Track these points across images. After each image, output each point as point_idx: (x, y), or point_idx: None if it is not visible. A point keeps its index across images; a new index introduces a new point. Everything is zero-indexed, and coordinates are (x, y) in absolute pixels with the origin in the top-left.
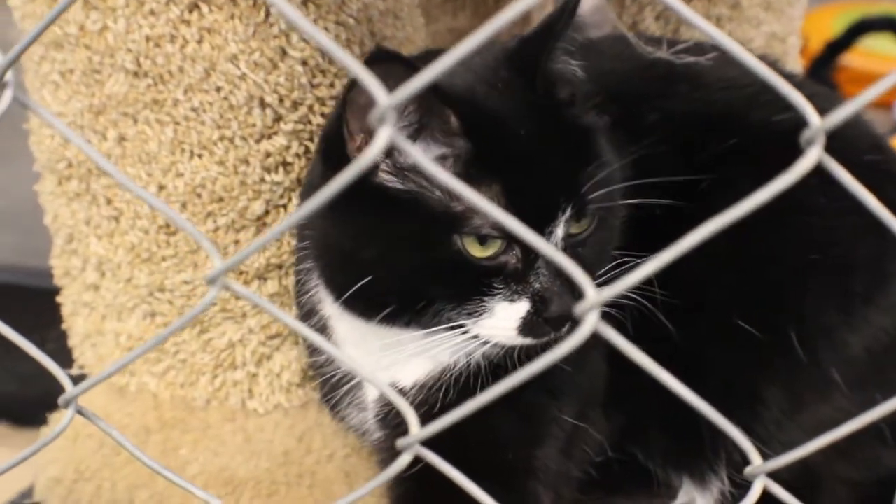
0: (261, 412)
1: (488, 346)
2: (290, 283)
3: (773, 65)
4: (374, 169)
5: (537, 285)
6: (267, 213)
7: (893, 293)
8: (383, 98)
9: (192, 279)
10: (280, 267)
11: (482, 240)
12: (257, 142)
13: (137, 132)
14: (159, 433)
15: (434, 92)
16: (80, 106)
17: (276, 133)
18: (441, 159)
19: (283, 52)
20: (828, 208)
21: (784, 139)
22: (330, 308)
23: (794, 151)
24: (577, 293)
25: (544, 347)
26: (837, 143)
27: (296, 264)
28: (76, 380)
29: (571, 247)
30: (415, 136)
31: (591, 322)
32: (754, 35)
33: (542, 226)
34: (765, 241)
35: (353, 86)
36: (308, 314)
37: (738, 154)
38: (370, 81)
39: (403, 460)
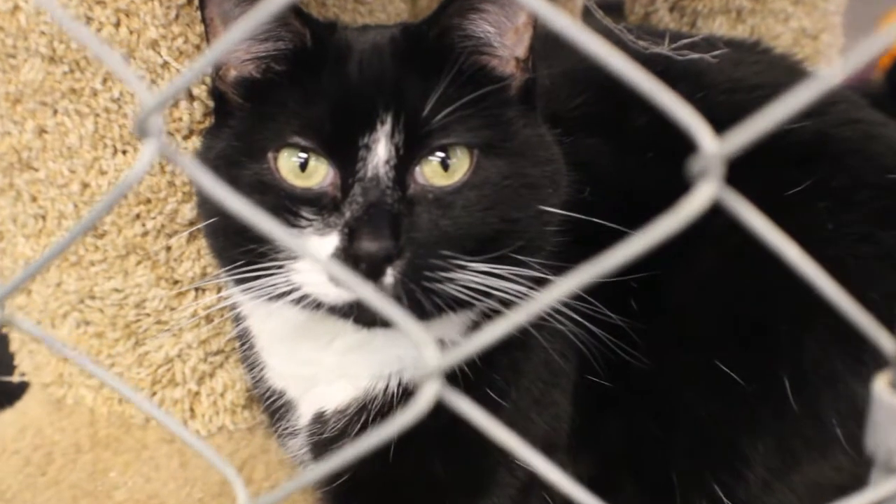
0: (203, 434)
1: (310, 301)
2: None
3: (797, 65)
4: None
5: (348, 214)
6: (200, 218)
7: None
8: (147, 99)
9: (122, 287)
10: (218, 277)
11: (303, 167)
12: (186, 138)
13: (57, 124)
14: (90, 452)
15: (297, 14)
16: None
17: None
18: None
19: None
20: (837, 236)
21: (800, 152)
22: (243, 305)
23: (811, 165)
24: (396, 230)
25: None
26: (855, 160)
27: None
28: (16, 387)
29: (426, 202)
30: (266, 40)
31: (429, 394)
32: (781, 30)
33: (355, 134)
34: (759, 273)
35: None
36: (238, 326)
37: (741, 168)
38: (136, 84)
39: None
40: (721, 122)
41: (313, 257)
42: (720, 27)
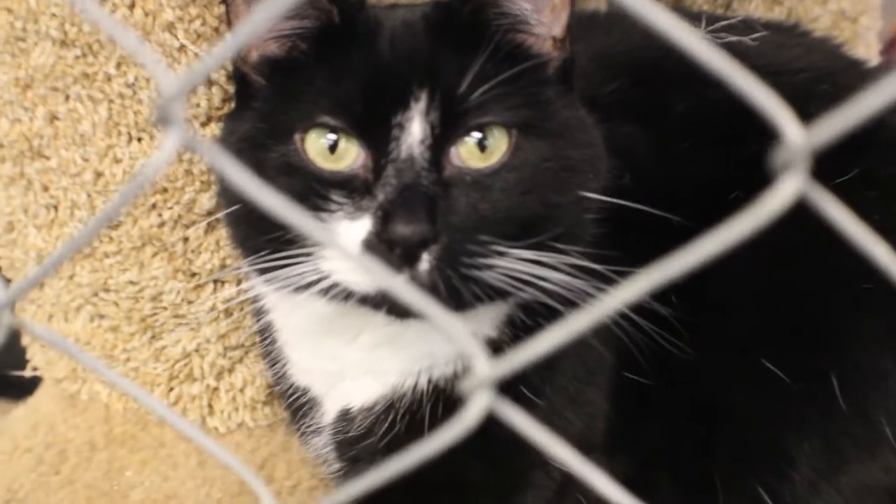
0: (222, 431)
1: (339, 291)
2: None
3: (837, 48)
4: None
5: (381, 197)
6: (219, 207)
7: None
8: (168, 85)
9: (137, 280)
10: (238, 268)
11: (333, 148)
12: (204, 125)
13: (69, 110)
14: (105, 450)
15: None
16: (6, 78)
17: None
18: (302, 34)
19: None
20: (885, 228)
21: (849, 139)
22: (266, 297)
23: (860, 153)
24: (432, 213)
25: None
26: None
27: None
28: (28, 382)
29: (463, 185)
30: (291, 18)
31: (479, 406)
32: (820, 13)
33: (388, 113)
34: (805, 268)
35: None
36: (259, 320)
37: None
38: (156, 69)
39: None
40: None
41: (342, 249)
42: (756, 9)
